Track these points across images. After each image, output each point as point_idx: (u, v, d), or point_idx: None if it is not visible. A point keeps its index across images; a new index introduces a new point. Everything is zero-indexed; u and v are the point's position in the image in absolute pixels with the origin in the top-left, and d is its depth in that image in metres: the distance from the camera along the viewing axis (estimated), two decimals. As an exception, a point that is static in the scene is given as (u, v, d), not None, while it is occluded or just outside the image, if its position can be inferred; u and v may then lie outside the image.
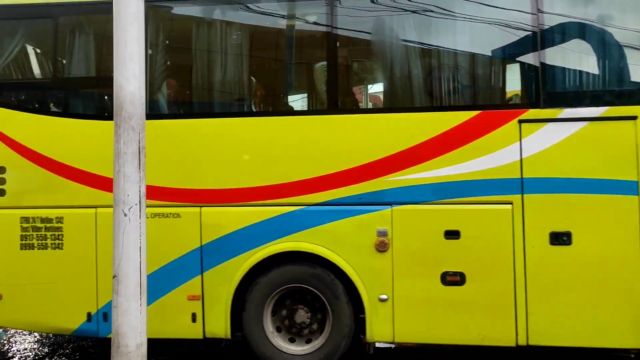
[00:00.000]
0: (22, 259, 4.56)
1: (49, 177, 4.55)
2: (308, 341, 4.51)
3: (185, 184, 4.49)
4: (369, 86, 5.95)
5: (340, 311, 4.37)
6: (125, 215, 3.41)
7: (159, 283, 4.46)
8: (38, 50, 4.98)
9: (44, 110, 4.75)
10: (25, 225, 4.55)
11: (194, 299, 4.45)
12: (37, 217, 4.55)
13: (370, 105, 6.92)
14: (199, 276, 4.45)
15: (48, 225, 4.54)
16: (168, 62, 4.67)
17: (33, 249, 4.56)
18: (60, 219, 4.55)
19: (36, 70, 4.97)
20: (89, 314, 4.51)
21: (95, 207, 4.52)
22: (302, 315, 4.50)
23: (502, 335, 4.21)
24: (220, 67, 4.58)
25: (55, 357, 5.44)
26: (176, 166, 4.50)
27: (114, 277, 3.42)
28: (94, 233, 4.52)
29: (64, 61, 4.70)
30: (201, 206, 4.47)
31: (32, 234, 4.56)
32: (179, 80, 4.84)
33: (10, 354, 5.59)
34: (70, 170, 4.53)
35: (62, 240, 4.54)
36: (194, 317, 4.44)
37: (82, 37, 4.65)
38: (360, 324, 4.40)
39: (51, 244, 4.54)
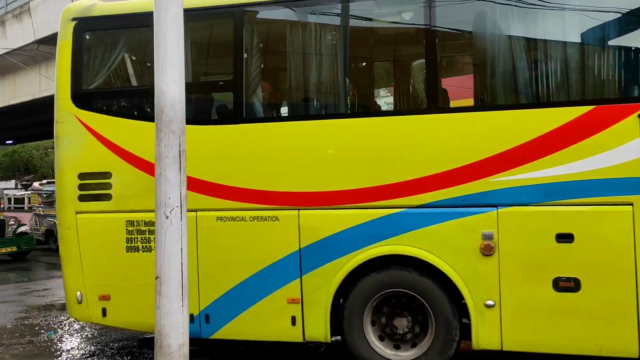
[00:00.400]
0: (128, 261, 4.72)
1: (151, 182, 4.63)
2: (411, 346, 4.39)
3: (283, 187, 4.48)
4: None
5: (444, 317, 4.23)
6: (167, 217, 3.44)
7: (259, 286, 4.49)
8: (138, 59, 5.13)
9: (145, 117, 4.88)
10: (130, 228, 4.70)
11: (293, 302, 4.43)
12: (142, 220, 4.69)
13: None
14: (298, 279, 4.44)
15: (152, 228, 4.63)
16: (263, 65, 4.68)
17: (138, 252, 4.70)
18: (163, 222, 4.66)
19: (136, 78, 5.13)
20: (191, 316, 4.58)
21: (195, 210, 4.58)
22: (403, 320, 4.39)
23: (622, 346, 3.92)
24: (315, 68, 4.53)
25: (102, 356, 5.59)
26: (274, 169, 4.50)
27: (156, 278, 3.48)
28: (194, 236, 4.59)
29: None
30: (299, 209, 4.45)
31: (137, 237, 4.71)
32: (274, 83, 4.84)
33: (58, 353, 5.78)
34: (171, 175, 4.63)
35: (165, 243, 4.65)
36: (293, 321, 4.43)
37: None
38: (463, 329, 4.26)
39: (154, 246, 4.65)
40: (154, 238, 4.60)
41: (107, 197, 4.75)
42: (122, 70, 5.02)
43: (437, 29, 4.27)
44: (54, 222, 14.82)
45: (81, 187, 4.78)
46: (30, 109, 20.80)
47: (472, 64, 4.42)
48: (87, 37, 4.84)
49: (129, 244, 4.70)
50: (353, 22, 4.56)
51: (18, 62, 18.23)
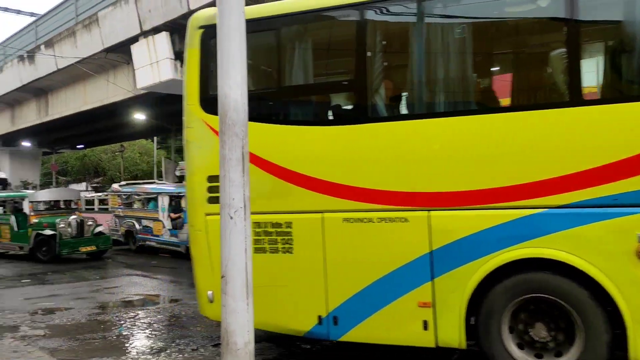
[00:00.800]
0: (256, 262, 4.71)
1: (277, 184, 4.69)
2: (555, 355, 4.11)
3: (412, 187, 4.34)
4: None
5: (594, 326, 3.92)
6: (231, 218, 3.43)
7: (388, 288, 4.39)
8: (261, 62, 5.19)
9: (269, 119, 4.91)
10: (257, 230, 4.74)
11: (424, 306, 4.29)
12: (268, 222, 4.72)
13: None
14: (430, 283, 4.29)
15: (278, 230, 4.69)
16: (387, 63, 4.58)
17: (265, 253, 4.74)
18: (289, 224, 4.67)
19: (259, 81, 5.21)
20: (319, 317, 4.58)
21: (322, 212, 4.58)
22: (543, 328, 4.12)
23: None
24: (443, 64, 4.37)
25: (169, 351, 5.76)
26: (402, 169, 4.38)
27: (222, 277, 3.48)
28: (321, 238, 4.57)
29: (285, 71, 4.82)
30: (430, 210, 4.31)
31: (264, 239, 4.75)
32: (399, 81, 4.73)
33: (128, 348, 6.02)
34: (297, 176, 4.64)
35: (291, 244, 4.66)
36: (425, 325, 4.29)
37: (301, 46, 4.75)
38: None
39: (281, 248, 4.69)
40: (281, 239, 4.73)
41: (235, 199, 4.83)
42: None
43: (579, 14, 3.96)
44: (133, 223, 15.57)
45: (210, 189, 4.86)
46: (99, 115, 22.00)
47: (621, 51, 4.06)
48: (214, 43, 4.94)
49: (256, 245, 4.74)
50: (482, 14, 4.36)
51: (88, 70, 19.25)
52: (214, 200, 4.89)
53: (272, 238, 4.72)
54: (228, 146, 3.45)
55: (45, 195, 16.56)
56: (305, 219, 4.62)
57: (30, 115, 24.60)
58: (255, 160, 4.74)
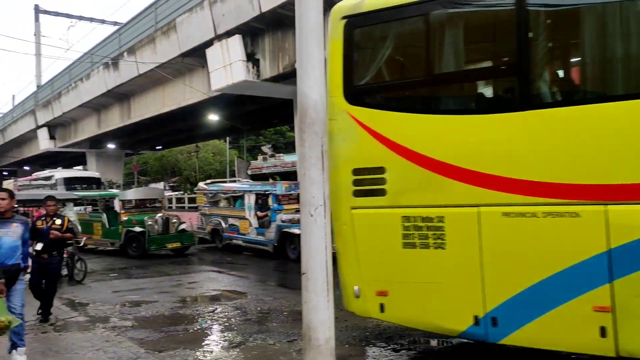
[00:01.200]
0: (405, 257, 4.55)
1: (428, 176, 4.46)
2: None
3: (585, 179, 3.94)
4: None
5: None
6: (312, 215, 3.42)
7: (556, 290, 4.01)
8: (408, 50, 4.98)
9: (419, 109, 4.70)
10: (406, 224, 4.54)
11: (601, 311, 3.88)
12: (418, 216, 4.50)
13: None
14: (608, 285, 3.86)
15: (429, 224, 4.45)
16: (552, 45, 4.22)
17: (415, 248, 4.52)
18: (441, 218, 4.42)
19: (407, 70, 5.00)
20: (475, 317, 4.29)
21: (478, 205, 4.28)
22: None
23: None
24: (620, 41, 3.94)
25: (246, 345, 5.86)
26: (572, 159, 3.99)
27: (302, 274, 3.46)
28: (477, 233, 4.28)
29: (436, 58, 4.58)
30: (607, 204, 3.90)
31: (413, 233, 4.53)
32: (569, 64, 4.36)
33: (208, 341, 6.14)
34: (450, 169, 4.38)
35: (444, 239, 4.41)
36: (602, 332, 3.88)
37: (451, 31, 4.49)
38: None
39: (433, 243, 4.45)
40: (432, 234, 4.48)
41: (382, 192, 4.63)
42: (393, 64, 4.89)
43: None
44: (219, 222, 15.77)
45: (356, 182, 4.72)
46: (176, 117, 22.86)
47: None
48: (357, 33, 4.79)
49: (405, 240, 4.53)
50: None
51: (166, 74, 19.93)
52: (359, 193, 4.74)
53: (422, 233, 4.48)
54: (308, 144, 3.45)
55: (135, 194, 17.27)
56: (459, 213, 4.35)
57: (114, 119, 25.91)
58: (404, 152, 4.55)
